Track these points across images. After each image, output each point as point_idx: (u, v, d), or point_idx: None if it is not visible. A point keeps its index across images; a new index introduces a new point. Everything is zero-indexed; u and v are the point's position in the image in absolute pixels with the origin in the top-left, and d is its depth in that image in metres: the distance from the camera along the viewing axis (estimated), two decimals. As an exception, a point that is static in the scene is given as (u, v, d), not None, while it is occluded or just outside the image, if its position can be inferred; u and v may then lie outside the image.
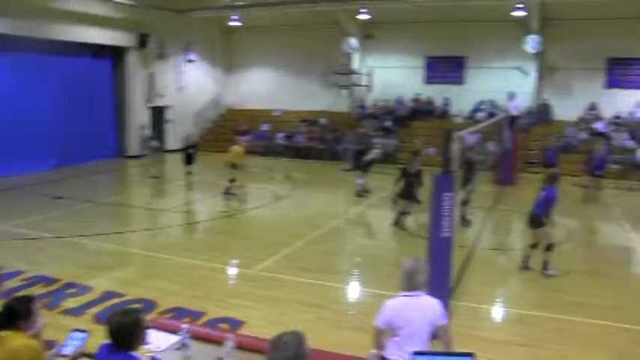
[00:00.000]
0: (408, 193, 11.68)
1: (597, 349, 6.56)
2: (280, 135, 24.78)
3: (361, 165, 15.99)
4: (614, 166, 18.87)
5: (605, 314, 7.50)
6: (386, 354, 4.31)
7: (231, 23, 24.82)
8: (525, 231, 9.80)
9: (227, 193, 15.04)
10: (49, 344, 4.31)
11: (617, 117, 21.86)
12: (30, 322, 4.00)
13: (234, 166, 15.03)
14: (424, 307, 4.25)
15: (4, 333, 3.81)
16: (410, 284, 4.26)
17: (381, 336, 4.31)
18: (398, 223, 11.87)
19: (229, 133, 23.66)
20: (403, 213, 11.80)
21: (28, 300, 4.09)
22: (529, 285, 8.90)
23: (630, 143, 20.56)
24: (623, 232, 12.72)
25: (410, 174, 11.79)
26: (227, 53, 28.31)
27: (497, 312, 7.95)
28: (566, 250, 10.76)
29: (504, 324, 7.58)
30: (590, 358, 6.39)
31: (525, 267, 9.25)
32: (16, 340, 3.82)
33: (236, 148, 15.34)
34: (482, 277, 9.13)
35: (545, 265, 8.92)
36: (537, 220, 8.87)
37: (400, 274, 4.34)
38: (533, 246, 9.16)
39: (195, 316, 7.13)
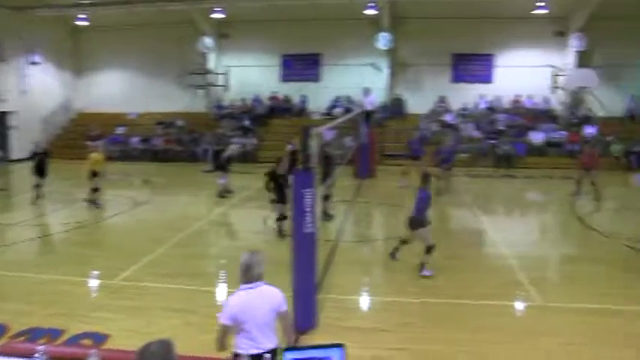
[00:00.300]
0: (280, 197, 11.33)
1: (456, 326, 7.05)
2: (136, 139, 23.92)
3: (221, 164, 15.83)
4: (464, 155, 20.29)
5: (463, 294, 8.09)
6: (238, 349, 4.36)
7: (78, 23, 23.54)
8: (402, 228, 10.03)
9: (92, 202, 14.29)
10: None
11: (464, 109, 23.52)
12: None
13: (95, 174, 14.26)
14: (266, 296, 4.38)
15: None
16: (248, 277, 4.37)
17: (227, 333, 4.36)
18: (281, 231, 11.34)
19: (81, 139, 22.52)
20: (280, 218, 11.39)
21: None
22: (392, 273, 9.36)
23: (476, 133, 22.17)
24: (475, 217, 13.69)
25: (279, 176, 11.56)
26: (76, 55, 26.89)
27: (363, 302, 8.25)
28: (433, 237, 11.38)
29: (370, 312, 7.92)
30: (450, 334, 6.82)
31: (393, 256, 9.55)
32: None
33: (95, 156, 14.50)
34: (346, 270, 9.44)
35: (422, 267, 8.97)
36: (416, 222, 8.97)
37: (240, 269, 4.43)
38: (404, 242, 9.45)
39: (53, 335, 6.73)
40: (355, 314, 7.76)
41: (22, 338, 6.57)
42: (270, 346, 4.33)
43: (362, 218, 13.98)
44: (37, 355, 4.14)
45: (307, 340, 6.58)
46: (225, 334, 4.34)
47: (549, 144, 21.96)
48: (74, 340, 6.59)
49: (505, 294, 8.19)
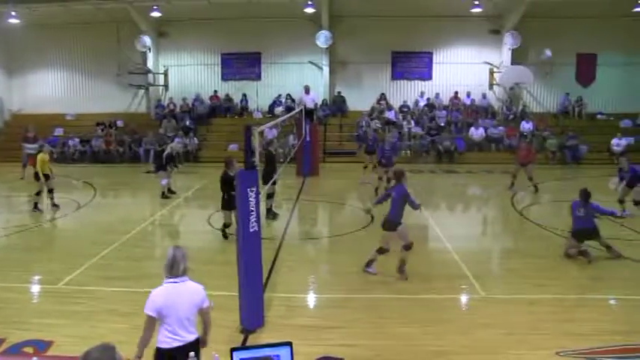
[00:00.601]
0: (227, 204, 10.80)
1: (404, 320, 7.24)
2: (75, 140, 23.29)
3: (162, 165, 15.62)
4: (405, 152, 20.72)
5: (410, 289, 8.32)
6: (159, 344, 4.46)
7: (9, 20, 22.68)
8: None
9: (36, 207, 13.91)
10: None
11: (405, 106, 23.93)
12: None
13: (43, 176, 13.84)
14: (189, 292, 4.51)
15: None
16: (173, 272, 4.48)
17: (152, 326, 4.45)
18: (226, 236, 11.07)
19: (18, 142, 21.76)
20: (226, 225, 11.05)
21: None
22: (337, 271, 9.51)
23: (417, 130, 22.61)
24: (418, 213, 13.94)
25: (231, 178, 10.59)
26: (8, 53, 25.76)
27: (311, 299, 8.36)
28: (368, 234, 11.58)
29: (318, 309, 8.01)
30: (399, 328, 7.00)
31: (369, 267, 9.01)
32: None
33: (41, 156, 14.04)
34: (293, 268, 9.53)
35: (402, 265, 8.79)
36: (393, 223, 8.68)
37: (165, 264, 4.53)
38: (382, 251, 8.94)
39: (-9, 345, 6.56)
40: (303, 312, 7.83)
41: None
42: (191, 338, 4.47)
43: (306, 216, 14.10)
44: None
45: (255, 339, 6.66)
46: (150, 326, 4.45)
47: (489, 139, 22.59)
48: (15, 349, 6.43)
49: (451, 287, 8.44)
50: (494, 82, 24.21)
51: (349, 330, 6.96)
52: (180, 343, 4.41)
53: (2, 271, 9.43)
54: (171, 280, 4.48)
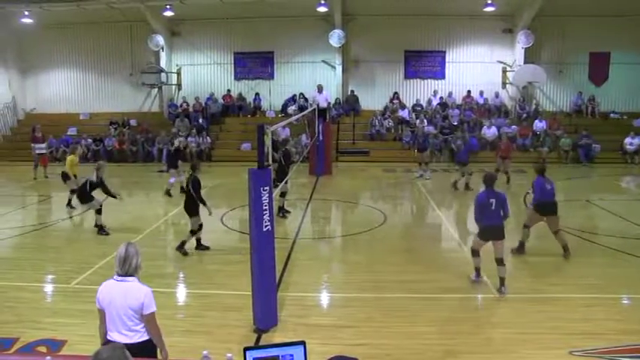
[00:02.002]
0: (192, 208, 10.34)
1: (416, 319, 7.18)
2: (88, 140, 23.36)
3: (174, 162, 15.59)
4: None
5: (422, 287, 8.22)
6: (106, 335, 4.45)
7: (22, 20, 22.82)
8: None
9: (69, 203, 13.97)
10: None
11: (418, 105, 23.81)
12: None
13: (73, 177, 13.84)
14: (128, 293, 4.36)
15: None
16: (121, 269, 4.40)
17: (100, 315, 4.44)
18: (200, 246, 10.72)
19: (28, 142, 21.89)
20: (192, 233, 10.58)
21: None
22: (350, 270, 9.43)
23: (430, 129, 22.44)
24: (433, 211, 13.91)
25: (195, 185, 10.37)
26: (21, 53, 25.96)
27: (323, 298, 8.30)
28: (381, 233, 11.53)
29: (331, 309, 7.96)
30: (410, 327, 6.94)
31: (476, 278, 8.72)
32: None
33: (71, 158, 14.04)
34: (306, 267, 9.48)
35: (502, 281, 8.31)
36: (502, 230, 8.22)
37: (115, 260, 4.46)
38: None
39: (5, 344, 6.54)
40: (315, 311, 7.78)
41: (-30, 350, 6.39)
42: (124, 341, 4.25)
43: (320, 215, 14.05)
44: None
45: (268, 338, 6.62)
46: (99, 316, 4.45)
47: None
48: (28, 348, 6.44)
49: (462, 287, 8.37)
50: (508, 81, 24.06)
51: (362, 329, 6.91)
52: (110, 340, 4.32)
53: (16, 271, 9.48)
54: (117, 277, 4.41)
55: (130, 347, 4.13)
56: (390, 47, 23.73)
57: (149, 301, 4.36)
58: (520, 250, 9.96)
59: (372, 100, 24.16)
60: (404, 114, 23.23)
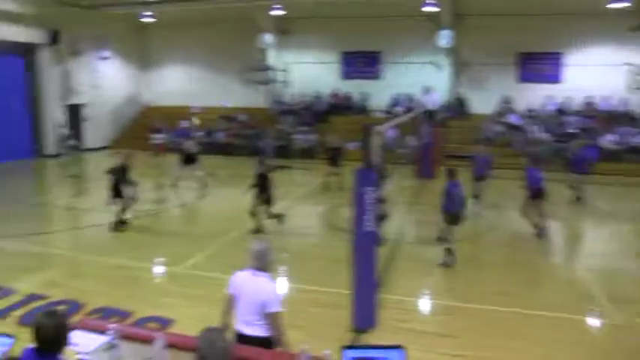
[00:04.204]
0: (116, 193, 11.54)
1: (520, 336, 6.88)
2: (200, 132, 24.43)
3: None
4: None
5: (531, 304, 7.84)
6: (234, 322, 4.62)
7: (143, 20, 24.31)
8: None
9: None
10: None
11: (531, 110, 22.89)
12: None
13: None
14: (257, 288, 4.49)
15: None
16: (256, 263, 4.55)
17: (228, 300, 4.64)
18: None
19: (148, 132, 23.24)
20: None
21: None
22: (453, 277, 9.22)
23: (544, 136, 21.51)
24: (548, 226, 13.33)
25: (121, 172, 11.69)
26: (142, 50, 27.77)
27: (423, 304, 8.17)
28: (488, 242, 11.30)
29: (430, 315, 7.81)
30: (509, 343, 6.68)
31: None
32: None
33: None
34: (407, 271, 9.39)
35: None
36: None
37: (251, 255, 4.60)
38: None
39: (122, 315, 7.08)
40: (416, 316, 7.68)
41: (96, 316, 6.96)
42: (250, 333, 4.47)
43: (423, 219, 13.85)
44: (109, 332, 4.38)
45: (367, 339, 6.62)
46: (226, 300, 4.65)
47: (627, 149, 20.79)
48: (141, 322, 6.90)
49: (576, 308, 7.77)
50: (637, 86, 22.22)
51: (462, 340, 6.74)
52: (240, 332, 4.51)
53: (134, 251, 10.19)
54: (251, 270, 4.56)
55: (249, 339, 4.38)
56: (502, 49, 22.87)
57: (275, 300, 4.46)
58: None
59: (482, 103, 23.44)
60: (515, 119, 22.42)
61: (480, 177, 13.99)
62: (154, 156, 19.81)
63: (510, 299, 8.01)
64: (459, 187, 9.54)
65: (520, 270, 9.59)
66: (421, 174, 18.25)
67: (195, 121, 14.54)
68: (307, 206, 15.10)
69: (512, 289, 8.45)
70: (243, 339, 4.46)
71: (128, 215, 11.86)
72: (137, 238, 11.26)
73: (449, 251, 9.52)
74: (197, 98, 26.54)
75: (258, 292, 4.46)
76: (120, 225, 11.62)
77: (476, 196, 13.67)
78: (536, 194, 11.23)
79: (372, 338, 6.64)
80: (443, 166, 12.06)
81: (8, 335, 4.27)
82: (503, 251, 11.04)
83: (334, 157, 16.57)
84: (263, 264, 4.55)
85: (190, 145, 16.73)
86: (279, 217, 11.39)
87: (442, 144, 20.38)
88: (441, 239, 9.84)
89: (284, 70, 25.59)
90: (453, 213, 9.41)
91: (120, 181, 11.47)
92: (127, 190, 11.55)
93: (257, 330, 4.49)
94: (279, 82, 25.73)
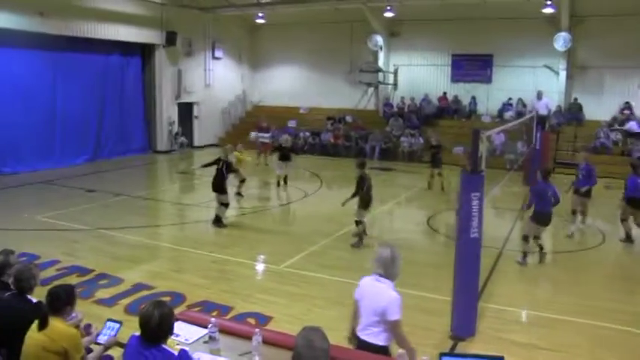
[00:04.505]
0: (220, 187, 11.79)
1: (624, 355, 6.47)
2: (306, 132, 24.78)
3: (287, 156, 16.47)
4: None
5: (634, 321, 7.32)
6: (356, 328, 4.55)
7: (256, 21, 24.97)
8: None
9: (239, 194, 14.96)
10: (87, 329, 4.50)
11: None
12: (72, 309, 4.20)
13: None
14: (377, 296, 4.38)
15: (50, 318, 3.97)
16: (382, 270, 4.45)
17: (354, 305, 4.59)
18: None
19: (252, 130, 23.79)
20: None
21: (72, 288, 4.28)
22: (558, 289, 8.80)
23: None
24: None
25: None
26: (253, 50, 28.52)
27: (525, 315, 7.80)
28: (598, 255, 10.67)
29: (532, 327, 7.42)
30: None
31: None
32: (58, 326, 3.98)
33: (236, 154, 14.94)
34: (510, 280, 9.08)
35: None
36: None
37: (378, 260, 4.52)
38: None
39: (223, 310, 7.25)
40: (516, 327, 7.34)
41: (197, 309, 7.16)
42: (368, 340, 4.37)
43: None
44: (210, 325, 4.46)
45: (464, 347, 6.45)
46: (353, 307, 4.61)
47: None
48: (240, 317, 7.03)
49: None
50: None
51: (565, 355, 6.40)
52: (361, 338, 4.43)
53: (235, 247, 10.45)
54: (375, 276, 4.48)
55: (367, 346, 4.35)
56: (624, 52, 21.43)
57: (394, 308, 4.34)
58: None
59: (599, 109, 22.15)
60: (634, 126, 21.00)
61: (578, 190, 12.04)
62: (257, 155, 20.25)
63: (621, 316, 7.48)
64: (552, 187, 9.65)
65: (633, 286, 8.97)
66: (530, 180, 17.53)
67: (242, 156, 14.64)
68: (409, 209, 14.92)
69: (623, 306, 7.92)
70: (362, 345, 4.43)
71: (228, 213, 12.11)
72: (239, 234, 11.55)
73: (540, 248, 9.85)
74: (304, 98, 26.97)
75: (379, 299, 4.37)
76: (217, 222, 11.95)
77: (574, 212, 12.15)
78: (635, 203, 10.99)
79: (470, 347, 6.46)
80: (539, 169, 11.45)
81: (116, 321, 4.48)
82: (614, 265, 10.44)
83: (434, 155, 16.58)
84: (387, 270, 4.45)
85: (285, 140, 17.03)
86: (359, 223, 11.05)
87: (552, 150, 19.53)
88: (526, 238, 9.86)
89: (393, 72, 25.43)
90: (543, 213, 9.57)
91: (220, 176, 11.75)
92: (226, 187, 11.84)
93: (374, 337, 4.39)
94: (389, 84, 25.59)
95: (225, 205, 11.89)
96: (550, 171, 10.56)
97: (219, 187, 11.75)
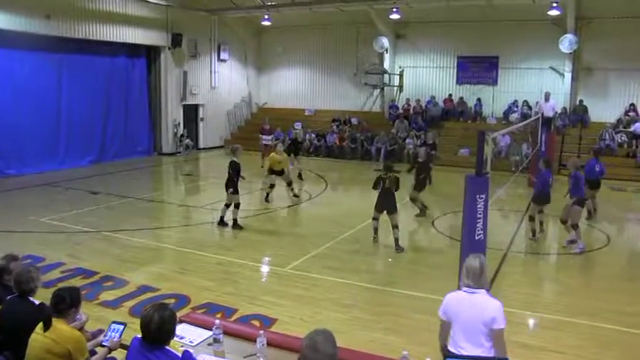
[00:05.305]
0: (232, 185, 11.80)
1: (633, 359, 6.44)
2: (311, 134, 24.75)
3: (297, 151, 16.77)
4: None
5: None
6: (448, 345, 4.35)
7: (262, 23, 24.98)
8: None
9: (266, 197, 14.94)
10: (94, 334, 4.51)
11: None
12: (77, 311, 4.20)
13: (273, 172, 14.91)
14: (480, 306, 4.20)
15: (54, 320, 3.97)
16: (474, 281, 4.25)
17: (443, 326, 4.36)
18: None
19: (256, 132, 23.82)
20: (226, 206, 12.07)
21: (77, 290, 4.28)
22: (562, 291, 8.77)
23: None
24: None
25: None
26: (258, 52, 28.54)
27: (531, 317, 7.72)
28: (601, 256, 10.61)
29: (538, 329, 7.40)
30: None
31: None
32: (62, 328, 3.98)
33: (274, 156, 15.06)
34: (515, 282, 9.03)
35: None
36: None
37: (466, 270, 4.32)
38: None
39: (227, 312, 7.24)
40: (521, 329, 7.26)
41: (202, 311, 7.14)
42: (475, 353, 4.17)
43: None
44: (214, 327, 4.45)
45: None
46: (441, 326, 4.39)
47: None
48: (245, 319, 7.01)
49: None
50: None
51: (570, 357, 6.36)
52: (458, 353, 4.21)
53: (238, 249, 10.45)
54: (467, 288, 4.28)
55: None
56: (629, 54, 21.29)
57: (501, 316, 4.21)
58: None
59: (604, 111, 22.08)
60: (639, 128, 20.87)
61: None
62: (262, 157, 20.25)
63: (625, 318, 7.43)
64: (550, 173, 11.43)
65: (638, 287, 8.91)
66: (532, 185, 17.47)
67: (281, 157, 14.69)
68: (414, 211, 14.85)
69: (628, 308, 7.85)
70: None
71: (229, 215, 12.11)
72: (243, 236, 11.52)
73: (540, 223, 11.45)
74: (310, 100, 27.00)
75: (484, 310, 4.20)
76: (234, 224, 11.94)
77: (562, 222, 11.57)
78: (592, 184, 12.05)
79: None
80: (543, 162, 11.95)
81: (120, 322, 4.48)
82: (618, 267, 10.31)
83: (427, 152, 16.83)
84: (478, 281, 4.27)
85: (298, 133, 17.66)
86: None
87: (557, 152, 19.47)
88: (531, 218, 11.34)
89: (399, 74, 25.41)
90: (543, 193, 11.09)
91: (229, 176, 11.76)
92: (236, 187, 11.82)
93: (488, 352, 4.21)
94: (394, 86, 25.57)
95: (236, 205, 11.88)
96: (550, 161, 12.02)
97: (228, 186, 11.76)
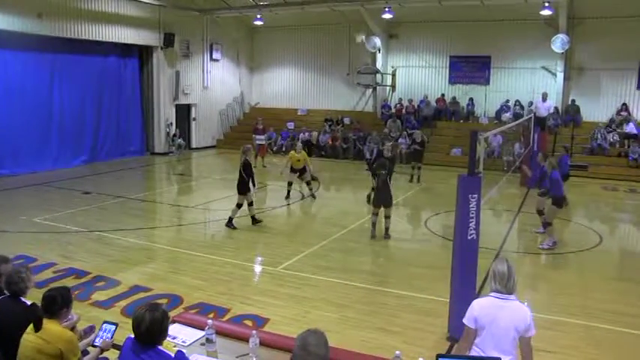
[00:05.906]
0: (242, 187, 11.78)
1: (627, 358, 6.46)
2: (306, 134, 24.75)
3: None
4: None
5: (636, 323, 7.30)
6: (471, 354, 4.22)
7: (255, 22, 24.97)
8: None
9: (288, 194, 15.05)
10: (87, 332, 4.50)
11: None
12: (69, 311, 4.19)
13: (295, 171, 15.00)
14: (512, 312, 4.10)
15: (45, 321, 3.97)
16: (504, 286, 4.14)
17: (470, 335, 4.17)
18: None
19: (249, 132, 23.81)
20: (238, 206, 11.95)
21: (68, 290, 4.27)
22: (555, 291, 8.76)
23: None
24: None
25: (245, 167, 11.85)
26: (251, 52, 28.57)
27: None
28: (594, 256, 10.67)
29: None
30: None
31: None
32: (53, 328, 3.97)
33: (293, 154, 15.13)
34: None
35: None
36: None
37: (495, 275, 4.20)
38: None
39: (219, 312, 7.23)
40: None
41: (194, 311, 7.13)
42: None
43: (527, 229, 13.28)
44: (207, 327, 4.45)
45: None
46: (467, 335, 4.19)
47: None
48: (237, 319, 7.00)
49: None
50: None
51: (563, 357, 6.36)
52: None
53: (230, 249, 10.44)
54: (497, 294, 4.14)
55: None
56: (621, 54, 21.41)
57: (532, 323, 4.10)
58: None
59: (596, 111, 22.20)
60: (631, 128, 21.01)
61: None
62: (254, 157, 20.22)
63: (620, 318, 7.46)
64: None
65: (631, 287, 8.94)
66: (527, 182, 17.53)
67: (300, 156, 14.59)
68: (407, 211, 14.89)
69: (622, 308, 7.87)
70: None
71: (221, 215, 12.07)
72: (236, 236, 11.50)
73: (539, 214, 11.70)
74: (302, 100, 27.02)
75: (519, 317, 4.09)
76: (255, 221, 12.10)
77: (539, 212, 12.08)
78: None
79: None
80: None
81: (112, 322, 4.48)
82: (612, 266, 10.36)
83: (415, 150, 18.14)
84: (507, 285, 4.13)
85: (314, 135, 18.35)
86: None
87: (550, 152, 19.52)
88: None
89: (392, 74, 25.44)
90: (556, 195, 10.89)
91: (240, 176, 11.77)
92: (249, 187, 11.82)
93: (508, 359, 4.07)
94: (387, 86, 25.59)
95: (238, 205, 11.87)
96: (547, 155, 12.45)
97: (239, 186, 11.77)
